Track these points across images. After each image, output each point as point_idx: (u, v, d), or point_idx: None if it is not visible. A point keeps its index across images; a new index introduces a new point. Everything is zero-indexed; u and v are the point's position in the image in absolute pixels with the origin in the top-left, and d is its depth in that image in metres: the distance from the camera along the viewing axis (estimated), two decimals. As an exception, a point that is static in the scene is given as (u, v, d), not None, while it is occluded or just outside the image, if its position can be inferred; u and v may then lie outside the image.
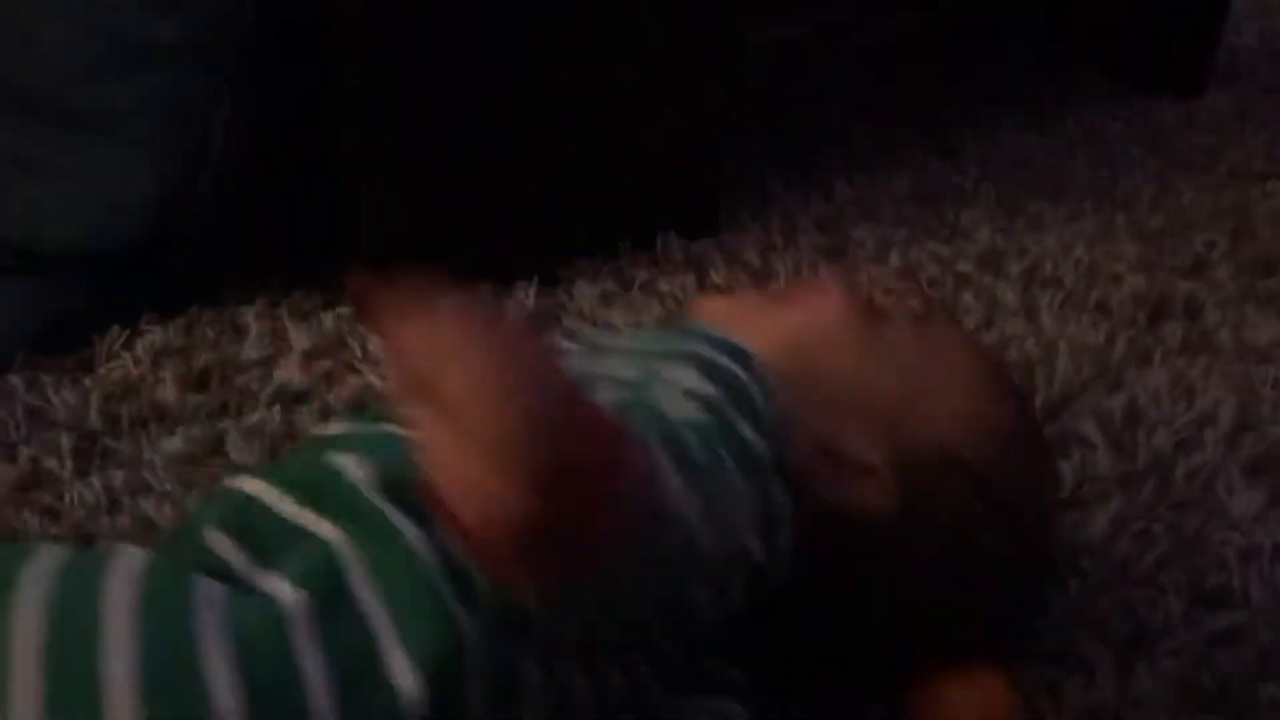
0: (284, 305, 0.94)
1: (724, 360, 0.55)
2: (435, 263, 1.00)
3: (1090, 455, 0.85)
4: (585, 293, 1.00)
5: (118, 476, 0.75)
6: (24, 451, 0.75)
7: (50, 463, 0.75)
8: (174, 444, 0.77)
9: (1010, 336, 0.99)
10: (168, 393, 0.83)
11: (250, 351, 0.88)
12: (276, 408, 0.81)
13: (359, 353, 0.90)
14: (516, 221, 1.01)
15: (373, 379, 0.86)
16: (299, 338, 0.90)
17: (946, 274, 1.09)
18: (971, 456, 0.62)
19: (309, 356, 0.88)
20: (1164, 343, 1.00)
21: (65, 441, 0.76)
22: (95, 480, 0.74)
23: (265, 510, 0.49)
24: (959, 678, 0.62)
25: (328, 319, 0.93)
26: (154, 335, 0.89)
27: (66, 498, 0.72)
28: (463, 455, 0.36)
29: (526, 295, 0.99)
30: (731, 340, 0.57)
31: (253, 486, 0.50)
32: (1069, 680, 0.66)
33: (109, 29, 0.83)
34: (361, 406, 0.55)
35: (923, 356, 0.66)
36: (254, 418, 0.80)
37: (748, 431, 0.52)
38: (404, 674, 0.43)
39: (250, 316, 0.92)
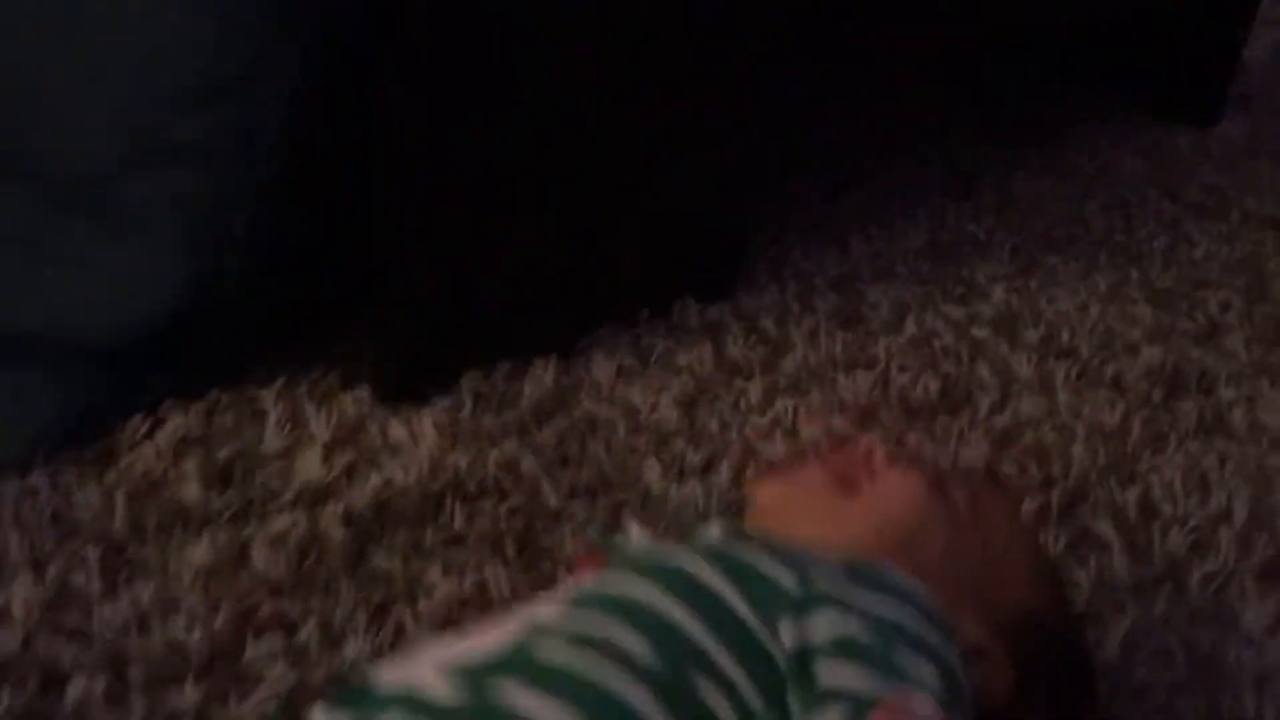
0: (302, 384, 0.94)
1: (953, 660, 0.54)
2: (459, 334, 1.00)
3: (1105, 557, 0.86)
4: (603, 367, 1.00)
5: (146, 591, 0.75)
6: (51, 568, 0.75)
7: (78, 578, 0.75)
8: (200, 553, 0.78)
9: (1026, 420, 0.99)
10: (191, 491, 0.83)
11: (271, 442, 0.88)
12: (299, 511, 0.82)
13: (379, 439, 0.90)
14: (533, 292, 1.00)
15: (395, 473, 0.86)
16: (319, 425, 0.90)
17: (961, 341, 1.09)
18: (1050, 614, 0.67)
19: (330, 447, 0.88)
20: (1178, 425, 1.01)
21: (91, 554, 0.77)
22: (124, 597, 0.74)
23: None
24: None
25: (347, 401, 0.93)
26: (174, 422, 0.88)
27: (95, 618, 0.73)
28: None
29: (545, 371, 0.98)
30: (940, 613, 0.56)
31: None
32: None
33: (140, 125, 0.82)
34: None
35: (987, 527, 0.68)
36: (278, 523, 0.80)
37: None
38: None
39: (269, 399, 0.92)
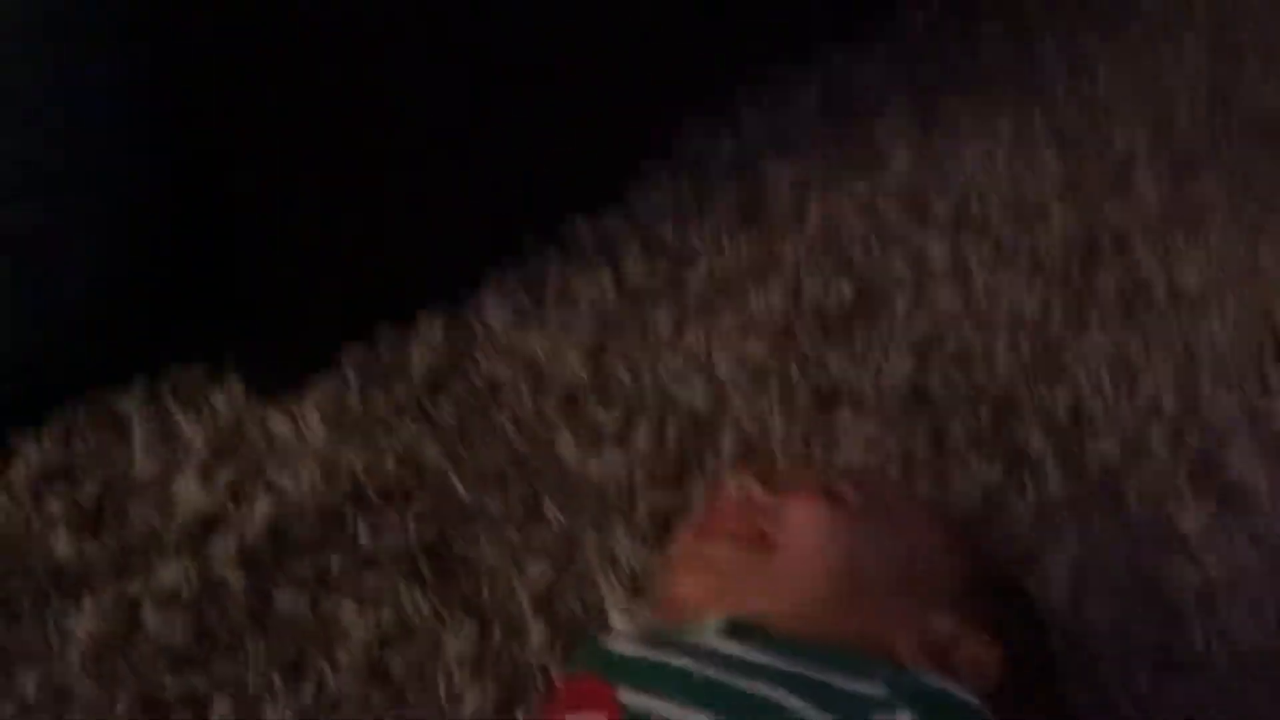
0: (166, 386, 0.84)
1: None
2: (331, 302, 0.91)
3: (1040, 476, 0.83)
4: (495, 314, 0.92)
5: (29, 684, 0.68)
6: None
7: (-52, 681, 0.68)
8: (85, 624, 0.70)
9: (946, 317, 0.95)
10: (61, 543, 0.74)
11: (142, 465, 0.79)
12: (187, 555, 0.74)
13: (262, 442, 0.82)
14: (406, 241, 0.91)
15: (286, 486, 0.79)
16: (193, 434, 0.81)
17: (870, 228, 1.03)
18: (984, 564, 0.66)
19: (209, 464, 0.80)
20: (1099, 301, 0.97)
21: (-42, 653, 0.69)
22: (5, 696, 0.67)
23: None
24: None
25: (219, 401, 0.84)
26: (28, 454, 0.79)
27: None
28: None
29: (433, 329, 0.90)
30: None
31: None
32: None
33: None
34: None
35: (888, 510, 0.66)
36: (166, 574, 0.73)
37: None
38: None
39: (132, 409, 0.83)
